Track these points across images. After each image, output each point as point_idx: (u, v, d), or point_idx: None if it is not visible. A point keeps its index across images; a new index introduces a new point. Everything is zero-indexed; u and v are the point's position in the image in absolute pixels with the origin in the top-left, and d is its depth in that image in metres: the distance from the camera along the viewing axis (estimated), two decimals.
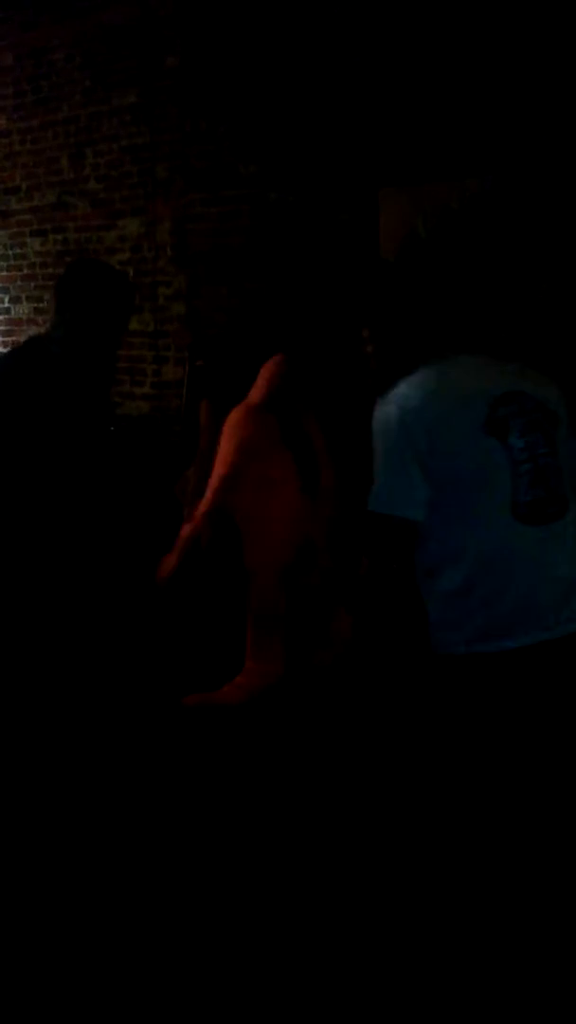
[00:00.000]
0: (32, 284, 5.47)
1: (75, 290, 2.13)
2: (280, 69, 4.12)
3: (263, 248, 4.30)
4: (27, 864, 2.27)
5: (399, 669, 2.16)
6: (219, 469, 2.35)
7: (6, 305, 5.65)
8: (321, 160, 4.05)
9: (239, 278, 4.44)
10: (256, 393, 2.43)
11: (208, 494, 2.34)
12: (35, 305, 5.49)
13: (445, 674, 1.82)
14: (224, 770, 2.40)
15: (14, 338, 5.64)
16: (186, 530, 2.40)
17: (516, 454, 1.76)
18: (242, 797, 2.41)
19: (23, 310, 5.56)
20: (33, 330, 5.51)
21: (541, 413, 1.81)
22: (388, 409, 1.79)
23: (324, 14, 3.94)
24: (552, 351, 3.15)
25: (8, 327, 5.66)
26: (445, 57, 3.61)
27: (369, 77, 3.83)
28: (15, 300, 5.60)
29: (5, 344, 5.71)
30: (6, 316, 5.67)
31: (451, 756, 1.83)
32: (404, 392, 1.81)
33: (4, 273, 5.61)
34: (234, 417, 2.38)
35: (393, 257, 3.73)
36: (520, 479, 1.75)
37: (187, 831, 2.38)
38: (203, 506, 2.36)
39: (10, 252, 5.54)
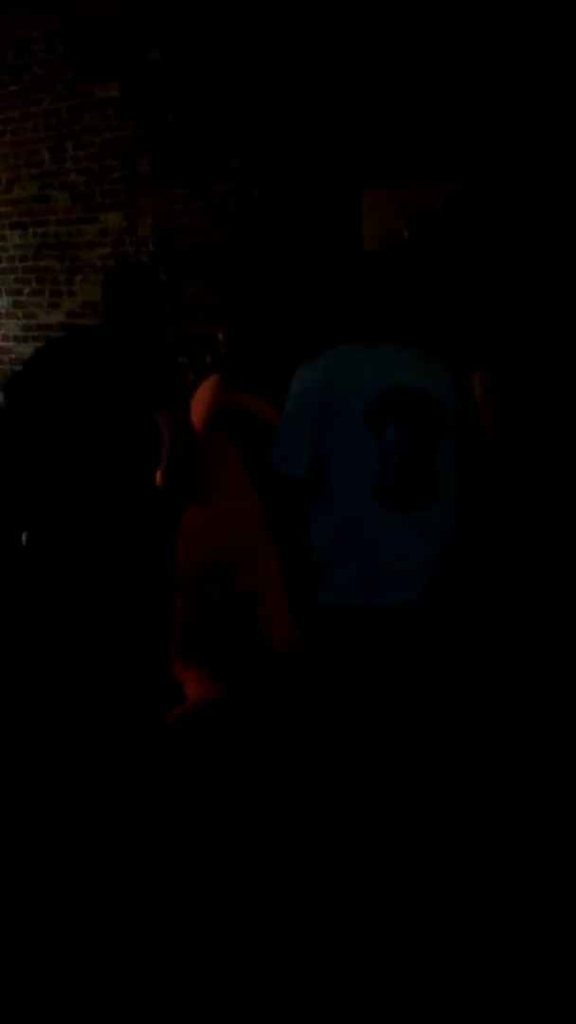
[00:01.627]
0: (12, 277, 5.42)
1: (113, 294, 2.50)
2: (265, 65, 4.11)
3: (247, 245, 4.29)
4: (27, 861, 2.26)
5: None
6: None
7: None
8: (306, 158, 4.04)
9: (222, 275, 4.42)
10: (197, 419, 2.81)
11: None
12: (14, 298, 5.44)
13: (330, 620, 2.09)
14: (213, 763, 2.41)
15: None
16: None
17: (388, 444, 2.00)
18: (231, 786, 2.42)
19: (2, 303, 5.51)
20: (12, 324, 5.47)
21: (424, 410, 2.04)
22: (297, 381, 2.07)
23: (311, 11, 3.93)
24: (532, 347, 3.18)
25: None
26: (430, 58, 3.61)
27: (355, 76, 3.83)
28: None
29: None
30: None
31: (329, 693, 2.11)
32: (312, 371, 2.05)
33: None
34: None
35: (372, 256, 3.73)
36: (387, 468, 2.00)
37: (176, 825, 2.38)
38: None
39: None
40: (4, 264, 5.44)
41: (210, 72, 4.32)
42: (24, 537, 2.50)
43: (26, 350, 5.20)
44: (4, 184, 5.31)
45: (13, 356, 5.45)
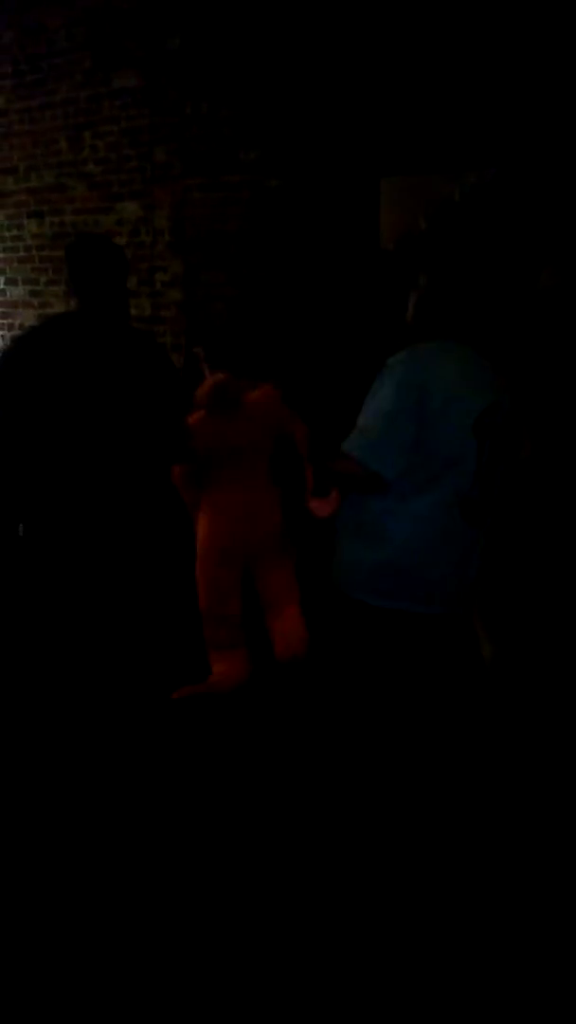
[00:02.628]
0: (29, 267, 5.43)
1: (78, 266, 2.41)
2: (283, 55, 4.08)
3: (261, 235, 4.28)
4: (27, 859, 2.27)
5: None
6: None
7: (2, 287, 5.61)
8: (323, 148, 4.02)
9: (237, 265, 4.41)
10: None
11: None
12: (31, 287, 5.45)
13: (361, 620, 2.01)
14: (215, 755, 2.41)
15: (10, 320, 5.60)
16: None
17: (484, 459, 1.93)
18: (233, 781, 2.41)
19: (18, 292, 5.52)
20: (29, 312, 5.47)
21: (508, 427, 1.99)
22: (410, 368, 1.86)
23: (330, 1, 3.90)
24: (549, 344, 3.14)
25: (4, 309, 5.62)
26: (449, 48, 3.58)
27: (373, 66, 3.80)
28: (11, 282, 5.55)
29: (0, 326, 5.67)
30: (2, 298, 5.62)
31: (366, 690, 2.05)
32: (429, 360, 1.87)
33: (0, 255, 5.56)
34: None
35: (392, 247, 3.71)
36: (477, 482, 1.94)
37: (179, 820, 2.38)
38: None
39: (7, 234, 5.49)
40: (21, 253, 5.45)
41: (228, 61, 4.29)
42: (21, 528, 2.46)
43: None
44: (22, 173, 5.31)
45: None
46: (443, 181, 3.64)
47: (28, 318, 5.49)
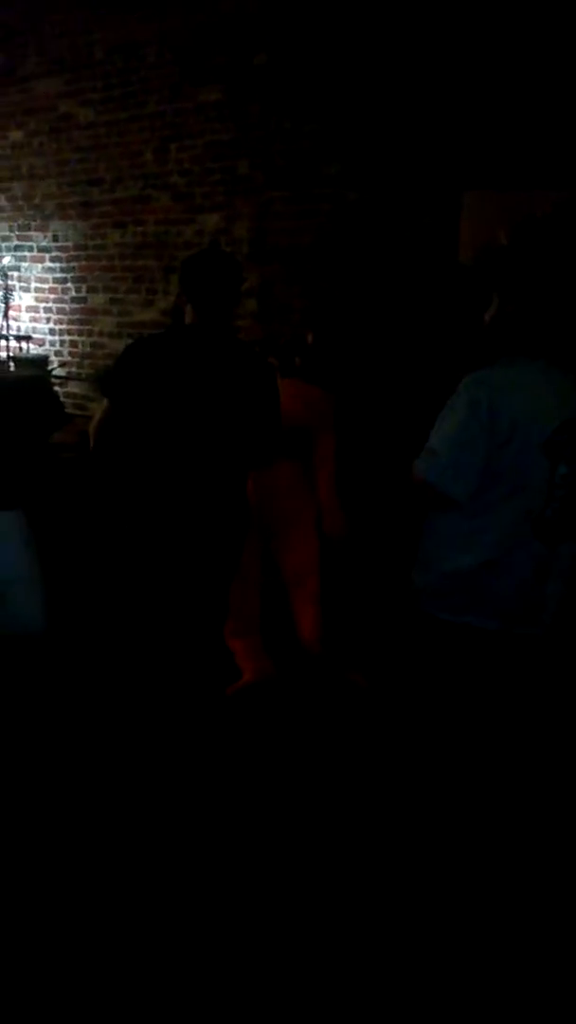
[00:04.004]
0: (110, 275, 5.56)
1: (200, 279, 2.49)
2: (368, 70, 4.11)
3: (340, 247, 4.30)
4: (28, 859, 2.29)
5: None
6: None
7: (83, 294, 5.75)
8: (405, 161, 4.02)
9: (314, 277, 4.44)
10: None
11: None
12: (111, 295, 5.58)
13: (430, 633, 2.05)
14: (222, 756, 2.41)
15: (89, 327, 5.74)
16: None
17: (558, 478, 1.93)
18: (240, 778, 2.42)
19: (99, 300, 5.66)
20: (108, 319, 5.61)
21: None
22: (480, 393, 1.90)
23: (417, 19, 3.91)
24: None
25: (84, 316, 5.77)
26: (535, 63, 3.55)
27: (458, 80, 3.80)
28: (92, 290, 5.69)
29: (80, 333, 5.81)
30: (82, 305, 5.77)
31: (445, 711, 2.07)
32: (497, 383, 1.92)
33: (83, 263, 5.71)
34: None
35: (471, 262, 3.69)
36: (552, 501, 1.94)
37: (185, 822, 2.39)
38: None
39: (90, 243, 5.63)
40: (104, 262, 5.59)
41: (312, 77, 4.34)
42: (124, 532, 2.56)
43: (119, 345, 5.31)
44: (108, 184, 5.45)
45: (107, 351, 5.58)
46: (525, 197, 3.60)
47: (107, 325, 5.62)
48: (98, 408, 2.55)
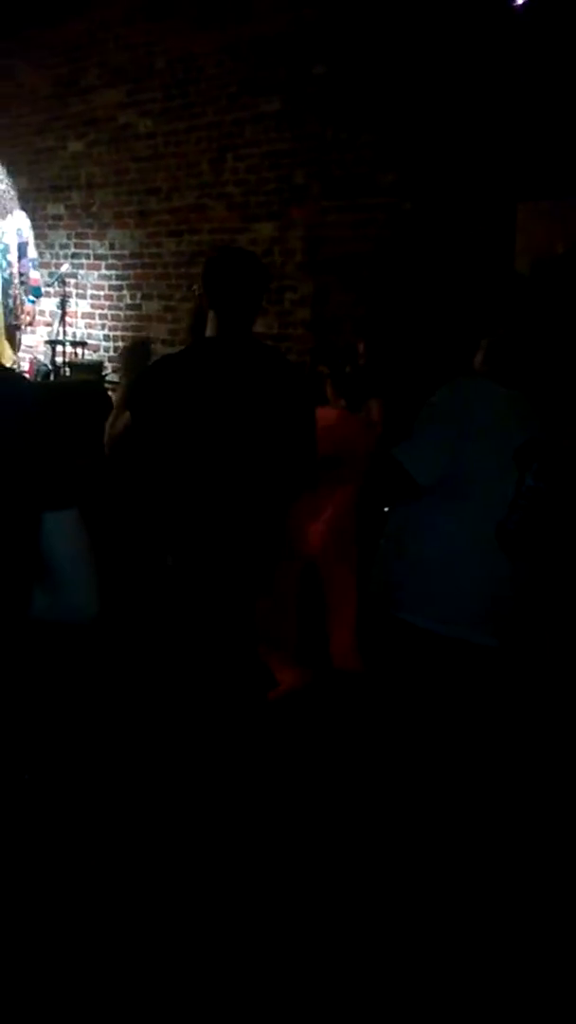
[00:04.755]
0: (165, 283, 5.63)
1: (221, 279, 2.31)
2: (424, 79, 4.10)
3: (396, 257, 4.29)
4: (28, 862, 2.31)
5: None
6: None
7: (138, 301, 5.83)
8: (461, 171, 4.01)
9: (368, 286, 4.44)
10: None
11: None
12: (165, 303, 5.65)
13: (407, 641, 2.05)
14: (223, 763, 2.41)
15: (144, 333, 5.81)
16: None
17: (524, 489, 1.99)
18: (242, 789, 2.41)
19: (153, 306, 5.73)
20: (162, 327, 5.67)
21: (557, 466, 2.06)
22: (456, 394, 2.02)
23: (474, 30, 3.90)
24: None
25: (138, 323, 5.84)
26: None
27: (513, 91, 3.77)
28: (147, 297, 5.77)
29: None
30: (137, 312, 5.85)
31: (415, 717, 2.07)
32: (471, 389, 2.03)
33: (139, 271, 5.79)
34: None
35: (528, 271, 3.65)
36: (515, 512, 1.99)
37: (187, 827, 2.39)
38: None
39: (146, 251, 5.72)
40: (159, 270, 5.66)
41: (370, 87, 4.35)
42: (170, 559, 2.46)
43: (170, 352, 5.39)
44: (164, 193, 5.53)
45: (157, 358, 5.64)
46: None
47: (160, 331, 5.69)
48: (115, 414, 2.40)
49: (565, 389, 2.58)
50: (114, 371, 5.44)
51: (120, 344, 5.98)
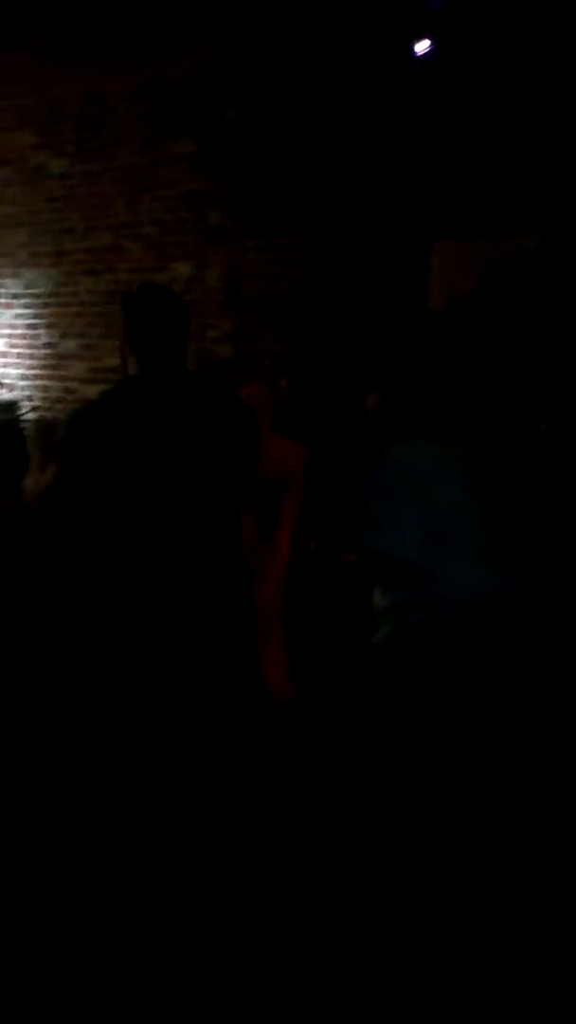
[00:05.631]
0: (82, 321, 5.61)
1: (138, 317, 2.25)
2: (337, 123, 4.24)
3: (312, 296, 4.39)
4: (28, 863, 2.26)
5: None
6: None
7: (55, 340, 5.79)
8: (374, 212, 4.15)
9: (287, 325, 4.52)
10: None
11: None
12: (84, 341, 5.62)
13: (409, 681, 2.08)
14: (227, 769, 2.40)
15: (61, 372, 5.76)
16: None
17: (490, 510, 2.07)
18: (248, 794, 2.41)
19: (71, 345, 5.69)
20: (80, 365, 5.64)
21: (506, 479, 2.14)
22: (392, 463, 2.09)
23: (381, 71, 4.06)
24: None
25: (56, 361, 5.79)
26: (500, 115, 3.70)
27: (426, 132, 3.94)
28: (64, 335, 5.73)
29: (51, 378, 5.83)
30: (54, 351, 5.80)
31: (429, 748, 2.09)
32: (405, 452, 2.11)
33: (55, 309, 5.75)
34: None
35: (442, 311, 3.79)
36: (487, 531, 2.07)
37: (188, 831, 2.37)
38: None
39: (62, 290, 5.68)
40: (75, 309, 5.63)
41: (282, 130, 4.47)
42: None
43: (91, 391, 5.35)
44: (80, 233, 5.52)
45: (78, 396, 5.60)
46: (491, 244, 3.73)
47: (80, 370, 5.65)
48: (38, 469, 2.29)
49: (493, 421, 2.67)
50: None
51: (37, 383, 5.91)
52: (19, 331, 5.98)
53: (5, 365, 6.07)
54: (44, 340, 5.84)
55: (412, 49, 3.85)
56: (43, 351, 5.86)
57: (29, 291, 5.88)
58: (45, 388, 5.89)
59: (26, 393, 5.96)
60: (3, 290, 6.02)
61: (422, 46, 3.83)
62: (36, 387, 5.93)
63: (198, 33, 4.78)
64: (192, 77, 4.84)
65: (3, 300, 6.03)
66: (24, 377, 5.99)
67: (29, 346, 5.93)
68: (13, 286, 5.96)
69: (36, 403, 5.91)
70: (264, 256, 4.62)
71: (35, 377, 5.92)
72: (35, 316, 5.86)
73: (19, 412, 5.77)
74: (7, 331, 6.04)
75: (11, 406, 5.78)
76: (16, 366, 6.01)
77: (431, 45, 3.80)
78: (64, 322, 5.72)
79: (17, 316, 5.96)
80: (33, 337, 5.89)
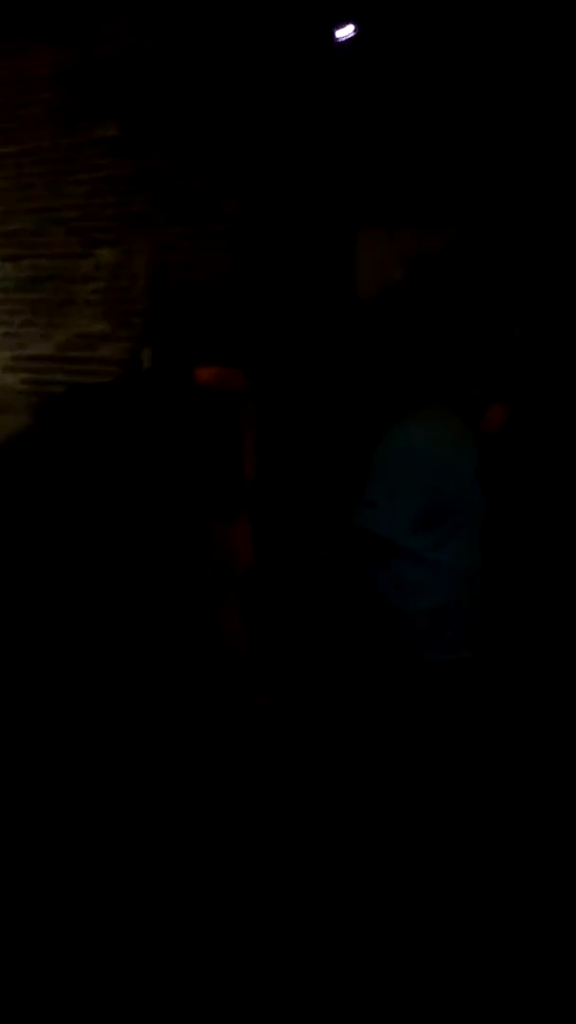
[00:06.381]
0: (4, 308, 5.44)
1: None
2: (263, 109, 4.20)
3: (240, 283, 4.35)
4: (28, 863, 2.22)
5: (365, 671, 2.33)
6: None
7: None
8: (301, 199, 4.12)
9: (214, 311, 4.47)
10: None
11: None
12: (5, 328, 5.46)
13: (419, 677, 2.10)
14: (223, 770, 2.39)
15: None
16: None
17: (491, 502, 2.13)
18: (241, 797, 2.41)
19: None
20: (2, 354, 5.48)
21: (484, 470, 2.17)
22: (403, 443, 2.06)
23: (309, 59, 4.04)
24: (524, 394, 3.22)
25: None
26: (426, 103, 3.71)
27: (352, 119, 3.93)
28: None
29: None
30: None
31: (440, 746, 2.13)
32: (419, 433, 2.08)
33: None
34: None
35: (368, 299, 3.79)
36: (485, 519, 2.12)
37: (187, 829, 2.35)
38: None
39: None
40: None
41: (208, 114, 4.41)
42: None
43: (11, 380, 5.23)
44: (0, 217, 5.36)
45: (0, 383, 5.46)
46: (417, 234, 3.75)
47: (3, 359, 5.49)
48: None
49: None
50: None
51: None
52: None
53: None
54: None
55: (334, 34, 3.84)
56: None
57: None
58: None
59: None
60: None
61: (345, 31, 3.82)
62: None
63: (121, 14, 4.68)
64: (116, 59, 4.73)
65: None
66: None
67: None
68: None
69: None
70: (190, 243, 4.56)
71: None
72: None
73: None
74: None
75: None
76: None
77: (355, 30, 3.79)
78: None
79: None
80: None
